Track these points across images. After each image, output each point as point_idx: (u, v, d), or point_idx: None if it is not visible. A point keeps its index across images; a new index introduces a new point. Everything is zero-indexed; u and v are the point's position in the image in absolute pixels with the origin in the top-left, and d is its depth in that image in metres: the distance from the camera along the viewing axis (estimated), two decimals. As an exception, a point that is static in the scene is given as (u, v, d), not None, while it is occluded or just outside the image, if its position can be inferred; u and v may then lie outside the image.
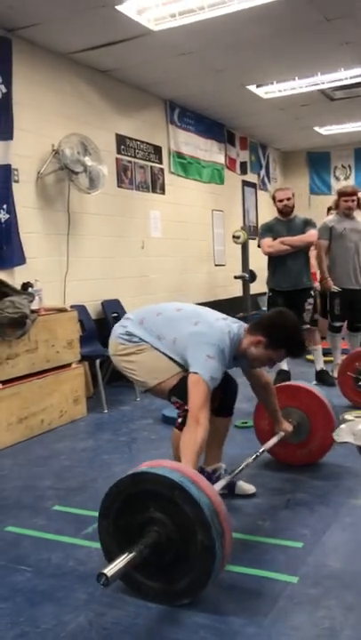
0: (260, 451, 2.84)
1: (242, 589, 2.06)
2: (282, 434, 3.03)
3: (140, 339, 2.64)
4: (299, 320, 5.14)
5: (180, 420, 2.49)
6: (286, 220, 5.20)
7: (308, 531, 2.48)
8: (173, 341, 2.58)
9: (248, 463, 2.73)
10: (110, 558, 1.94)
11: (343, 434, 1.56)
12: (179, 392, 2.49)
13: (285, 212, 5.19)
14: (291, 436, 3.12)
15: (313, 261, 5.52)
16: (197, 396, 2.36)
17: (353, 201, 5.36)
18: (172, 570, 1.94)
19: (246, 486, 2.91)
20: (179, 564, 1.92)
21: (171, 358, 2.59)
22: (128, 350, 2.66)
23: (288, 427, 3.06)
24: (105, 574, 1.77)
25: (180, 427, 2.43)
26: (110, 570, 1.79)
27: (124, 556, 1.86)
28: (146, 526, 1.95)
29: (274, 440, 2.99)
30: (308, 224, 5.16)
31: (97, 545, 2.40)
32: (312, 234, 5.11)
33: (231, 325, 2.61)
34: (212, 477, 2.86)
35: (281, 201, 5.18)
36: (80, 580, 2.16)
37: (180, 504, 1.89)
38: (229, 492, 2.88)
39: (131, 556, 1.87)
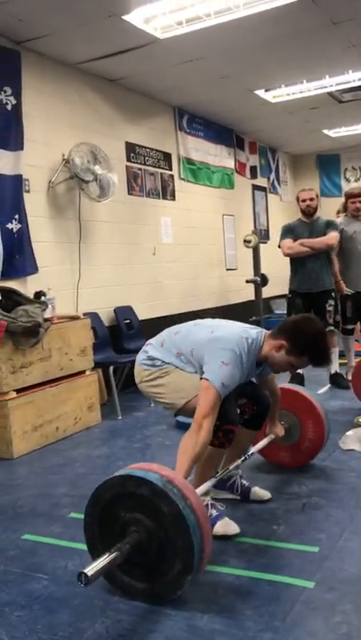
0: (250, 452, 2.85)
1: (258, 595, 2.06)
2: (272, 436, 3.04)
3: (163, 361, 2.63)
4: (321, 322, 5.18)
5: None
6: (309, 222, 5.19)
7: (324, 535, 2.48)
8: (191, 353, 2.57)
9: (238, 464, 2.75)
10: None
11: (349, 441, 1.55)
12: None
13: (308, 212, 5.19)
14: (282, 439, 3.14)
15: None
16: (205, 402, 2.35)
17: None
18: (160, 562, 1.97)
19: (261, 492, 2.91)
20: (164, 553, 1.95)
21: (194, 374, 2.57)
22: (153, 375, 2.64)
23: (280, 431, 3.07)
24: (85, 573, 1.80)
25: None
26: (91, 569, 1.83)
27: (105, 556, 1.91)
28: (126, 529, 2.01)
29: (264, 442, 3.00)
30: (329, 226, 5.14)
31: (113, 552, 2.43)
32: (332, 236, 5.08)
33: (249, 331, 2.58)
34: (227, 484, 2.87)
35: (304, 201, 5.19)
36: (96, 587, 2.16)
37: (135, 491, 1.97)
38: (244, 498, 2.89)
39: (112, 555, 1.91)
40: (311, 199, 5.15)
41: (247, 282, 7.38)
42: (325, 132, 8.61)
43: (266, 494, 2.90)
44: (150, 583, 2.01)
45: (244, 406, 2.79)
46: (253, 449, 2.91)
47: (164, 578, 1.98)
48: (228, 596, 2.06)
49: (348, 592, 2.03)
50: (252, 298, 7.46)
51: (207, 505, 2.45)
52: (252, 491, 2.90)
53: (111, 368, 4.73)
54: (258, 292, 7.38)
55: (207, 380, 2.39)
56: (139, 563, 2.00)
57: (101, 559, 1.90)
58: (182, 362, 2.59)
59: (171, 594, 1.98)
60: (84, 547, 2.48)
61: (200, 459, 2.32)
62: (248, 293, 7.61)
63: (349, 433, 1.63)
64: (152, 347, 2.71)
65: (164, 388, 2.62)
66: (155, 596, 2.01)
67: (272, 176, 9.49)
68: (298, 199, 5.28)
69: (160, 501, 1.93)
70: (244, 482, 2.93)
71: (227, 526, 2.48)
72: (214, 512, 2.46)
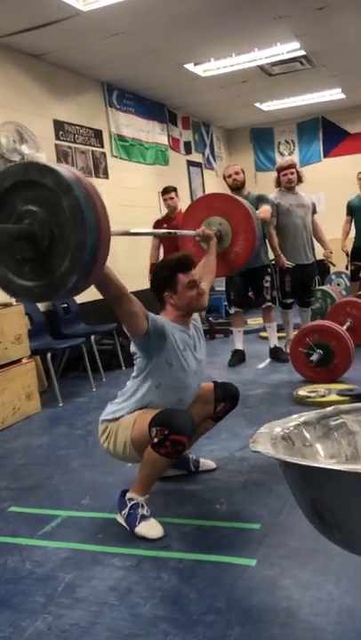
0: None
1: (201, 577, 2.06)
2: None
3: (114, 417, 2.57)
4: (259, 299, 5.23)
5: (155, 439, 2.34)
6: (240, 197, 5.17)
7: (266, 511, 2.50)
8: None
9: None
10: None
11: (260, 440, 1.48)
12: (158, 420, 2.34)
13: (235, 186, 5.17)
14: (217, 247, 3.32)
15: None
16: None
17: (292, 174, 5.38)
18: (50, 259, 1.83)
19: (208, 462, 3.00)
20: (55, 250, 1.81)
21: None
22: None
23: (207, 230, 3.27)
24: None
25: (154, 446, 2.34)
26: None
27: None
28: (20, 223, 1.84)
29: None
30: (260, 200, 5.15)
31: (55, 544, 2.39)
32: (264, 209, 5.09)
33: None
34: (180, 462, 2.89)
35: (230, 176, 5.18)
36: (37, 583, 2.12)
37: (38, 179, 1.78)
38: (195, 468, 2.96)
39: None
40: (237, 173, 5.15)
41: (186, 259, 7.33)
42: (258, 105, 8.60)
43: (212, 464, 3.01)
44: (38, 281, 1.87)
45: (221, 409, 2.81)
46: None
47: (51, 275, 1.83)
48: (172, 581, 2.05)
49: (288, 567, 2.05)
50: (192, 275, 7.42)
51: (138, 503, 2.42)
52: (200, 462, 2.98)
53: (49, 354, 4.62)
54: (197, 269, 7.35)
55: None
56: (28, 260, 1.85)
57: None
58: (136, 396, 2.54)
59: (54, 292, 1.85)
60: (24, 541, 2.45)
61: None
62: (187, 271, 7.57)
63: (262, 430, 1.51)
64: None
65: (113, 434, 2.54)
66: (40, 295, 1.89)
67: (207, 151, 9.44)
68: (225, 177, 5.27)
69: (62, 194, 1.76)
70: (192, 456, 2.98)
71: (150, 528, 2.38)
72: (144, 512, 2.41)
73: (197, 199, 3.96)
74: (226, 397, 2.80)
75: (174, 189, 6.37)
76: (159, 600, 1.95)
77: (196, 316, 2.81)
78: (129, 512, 2.41)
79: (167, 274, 2.60)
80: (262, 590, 1.94)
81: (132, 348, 2.54)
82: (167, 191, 6.35)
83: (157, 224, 6.47)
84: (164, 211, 6.73)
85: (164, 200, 6.38)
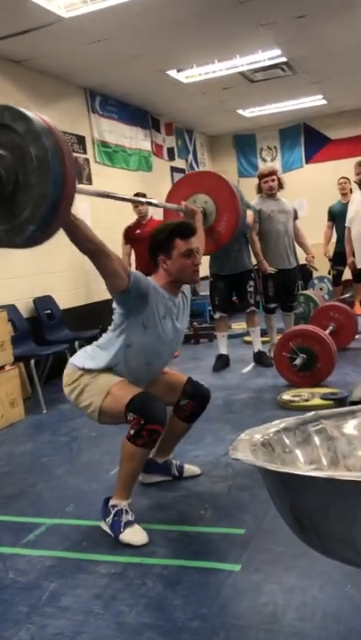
0: None
1: (186, 583, 2.06)
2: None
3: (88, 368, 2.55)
4: (243, 303, 5.25)
5: (131, 431, 2.35)
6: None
7: (250, 516, 2.50)
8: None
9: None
10: None
11: (240, 446, 1.46)
12: (135, 406, 2.34)
13: None
14: (202, 223, 3.35)
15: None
16: None
17: (273, 180, 5.42)
18: (12, 205, 1.84)
19: (193, 468, 2.99)
20: (19, 197, 1.83)
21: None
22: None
23: (190, 205, 3.28)
24: None
25: (130, 437, 2.34)
26: None
27: None
28: None
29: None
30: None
31: (38, 552, 2.38)
32: (248, 214, 5.10)
33: None
34: (163, 467, 2.92)
35: None
36: (21, 592, 2.10)
37: (10, 124, 1.79)
38: (178, 476, 2.94)
39: None
40: None
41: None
42: (240, 112, 8.65)
43: (197, 470, 2.99)
44: (0, 226, 1.88)
45: (185, 405, 2.78)
46: None
47: (12, 221, 1.85)
48: (157, 588, 2.05)
49: (273, 572, 2.06)
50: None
51: (122, 510, 2.41)
52: (185, 468, 2.96)
53: (32, 361, 4.59)
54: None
55: None
56: None
57: None
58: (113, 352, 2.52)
59: (13, 238, 1.87)
60: (7, 550, 2.43)
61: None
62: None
63: (242, 437, 1.48)
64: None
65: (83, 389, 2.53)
66: (0, 239, 1.90)
67: (190, 157, 9.46)
68: None
69: (31, 141, 1.77)
70: (176, 461, 2.97)
71: (135, 534, 2.37)
72: (128, 517, 2.41)
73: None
74: (194, 396, 2.76)
75: (144, 196, 6.29)
76: (144, 607, 1.94)
77: (186, 285, 2.77)
78: (113, 519, 2.40)
79: (165, 237, 2.54)
80: (247, 595, 1.95)
81: (113, 303, 2.52)
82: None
83: (128, 230, 6.27)
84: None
85: (135, 207, 6.17)
